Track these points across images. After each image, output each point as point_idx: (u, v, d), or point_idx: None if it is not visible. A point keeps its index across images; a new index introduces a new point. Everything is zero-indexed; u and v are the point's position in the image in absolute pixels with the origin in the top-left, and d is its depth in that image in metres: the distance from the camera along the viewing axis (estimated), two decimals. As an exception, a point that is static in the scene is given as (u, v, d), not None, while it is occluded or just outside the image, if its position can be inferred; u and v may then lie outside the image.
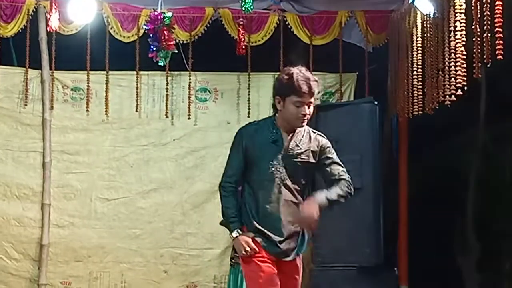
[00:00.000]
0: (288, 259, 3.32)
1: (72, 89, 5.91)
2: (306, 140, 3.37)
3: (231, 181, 3.37)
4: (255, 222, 3.28)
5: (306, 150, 3.35)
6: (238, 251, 3.31)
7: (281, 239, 3.28)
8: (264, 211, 3.29)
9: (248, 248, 3.25)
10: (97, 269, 5.76)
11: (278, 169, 3.29)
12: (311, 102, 3.31)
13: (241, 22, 5.61)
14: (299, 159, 3.33)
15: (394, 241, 5.82)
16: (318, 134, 3.46)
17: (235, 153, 3.38)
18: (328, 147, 3.42)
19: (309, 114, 3.33)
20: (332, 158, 3.41)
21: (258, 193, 3.30)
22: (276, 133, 3.35)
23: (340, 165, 3.42)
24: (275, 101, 3.37)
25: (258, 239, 3.27)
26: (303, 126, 3.36)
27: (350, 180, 3.40)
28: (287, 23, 5.69)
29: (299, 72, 3.30)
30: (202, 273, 5.77)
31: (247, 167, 3.35)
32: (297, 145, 3.34)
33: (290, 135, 3.36)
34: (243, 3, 5.11)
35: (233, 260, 4.95)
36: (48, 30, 5.58)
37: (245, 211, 3.33)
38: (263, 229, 3.27)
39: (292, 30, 5.70)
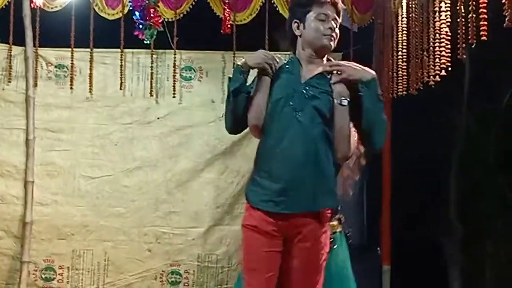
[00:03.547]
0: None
1: (56, 67, 5.87)
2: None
3: None
4: None
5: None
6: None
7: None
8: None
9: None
10: (80, 247, 5.75)
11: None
12: (336, 20, 2.88)
13: (227, 0, 5.57)
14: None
15: (377, 222, 5.86)
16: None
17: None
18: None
19: (337, 32, 2.87)
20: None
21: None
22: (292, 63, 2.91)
23: None
24: (292, 29, 2.92)
25: None
26: (330, 45, 2.88)
27: None
28: (273, 2, 5.66)
29: None
30: (186, 252, 5.78)
31: None
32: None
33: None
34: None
35: None
36: (32, 6, 5.52)
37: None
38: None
39: (277, 9, 5.67)
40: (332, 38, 2.84)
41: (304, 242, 2.80)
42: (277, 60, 2.90)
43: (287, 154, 2.78)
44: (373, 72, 2.84)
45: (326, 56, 2.97)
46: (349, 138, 2.85)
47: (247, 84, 2.90)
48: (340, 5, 2.88)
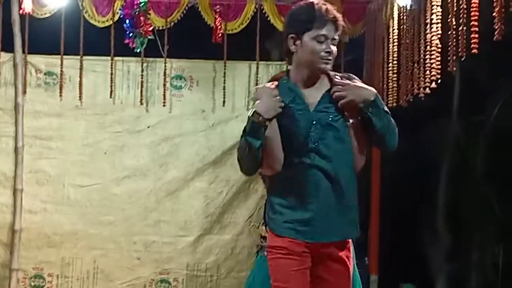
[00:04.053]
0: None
1: (45, 74, 5.84)
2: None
3: None
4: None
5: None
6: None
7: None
8: None
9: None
10: (69, 255, 5.72)
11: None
12: (335, 39, 2.72)
13: (218, 10, 5.58)
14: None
15: (365, 231, 5.88)
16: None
17: None
18: None
19: (334, 54, 2.74)
20: None
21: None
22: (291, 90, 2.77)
23: None
24: (288, 42, 2.74)
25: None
26: (327, 69, 2.74)
27: None
28: (264, 11, 5.68)
29: (320, 1, 2.75)
30: (175, 260, 5.77)
31: None
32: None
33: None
34: (221, -10, 5.10)
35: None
36: (21, 13, 5.49)
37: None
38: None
39: (269, 19, 5.69)
40: (329, 61, 2.72)
41: (333, 262, 2.78)
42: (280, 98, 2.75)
43: (311, 186, 2.72)
44: (374, 90, 2.79)
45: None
46: (364, 151, 2.86)
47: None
48: (341, 22, 2.75)
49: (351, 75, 2.86)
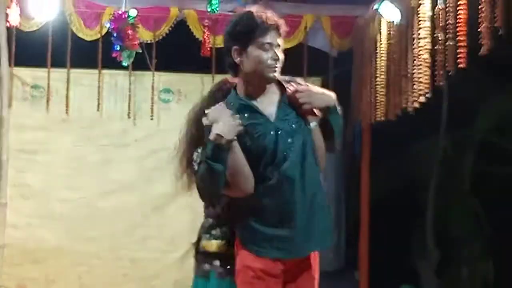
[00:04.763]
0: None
1: (32, 87, 5.79)
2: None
3: None
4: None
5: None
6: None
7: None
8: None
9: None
10: (54, 271, 5.64)
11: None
12: (279, 46, 2.66)
13: (206, 23, 5.57)
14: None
15: (355, 246, 5.85)
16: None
17: None
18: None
19: (281, 61, 2.68)
20: None
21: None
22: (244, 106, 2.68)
23: None
24: (232, 55, 2.65)
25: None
26: (275, 77, 2.68)
27: None
28: (252, 25, 5.66)
29: (257, 9, 2.67)
30: (162, 276, 5.71)
31: None
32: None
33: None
34: (209, 4, 5.08)
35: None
36: (8, 26, 5.45)
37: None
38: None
39: (257, 32, 5.67)
40: (276, 68, 2.66)
41: (303, 271, 2.75)
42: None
43: (287, 200, 2.65)
44: (332, 94, 2.77)
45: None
46: (325, 153, 2.84)
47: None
48: (283, 27, 2.68)
49: (295, 78, 2.82)
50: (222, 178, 2.63)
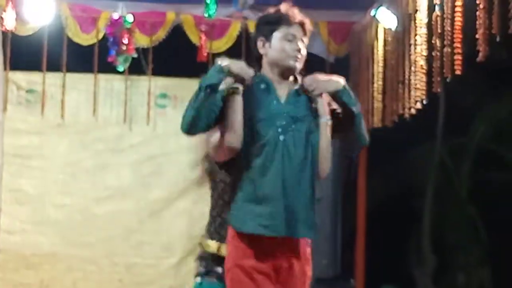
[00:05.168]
0: None
1: (27, 91, 5.77)
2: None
3: None
4: None
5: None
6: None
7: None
8: None
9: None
10: (48, 277, 5.61)
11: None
12: (303, 42, 2.76)
13: (203, 29, 5.56)
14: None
15: (351, 252, 5.84)
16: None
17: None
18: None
19: (304, 54, 2.76)
20: None
21: None
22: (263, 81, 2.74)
23: None
24: (257, 47, 2.75)
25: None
26: (297, 67, 2.75)
27: None
28: (249, 31, 5.66)
29: (287, 6, 2.78)
30: (157, 282, 5.68)
31: None
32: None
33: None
34: (206, 9, 5.08)
35: None
36: (3, 30, 5.43)
37: None
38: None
39: (254, 38, 5.67)
40: (298, 59, 2.73)
41: (297, 279, 2.74)
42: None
43: (275, 179, 2.68)
44: (341, 79, 2.81)
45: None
46: (330, 157, 2.83)
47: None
48: (308, 25, 2.78)
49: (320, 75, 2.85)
50: (212, 101, 2.67)
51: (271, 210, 2.67)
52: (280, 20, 2.72)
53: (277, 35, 2.71)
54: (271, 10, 2.79)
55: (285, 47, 2.70)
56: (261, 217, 2.67)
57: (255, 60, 2.78)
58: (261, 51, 2.73)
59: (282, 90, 2.77)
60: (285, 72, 2.76)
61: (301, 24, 2.75)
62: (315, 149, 2.75)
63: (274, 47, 2.71)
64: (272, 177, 2.68)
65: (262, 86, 2.74)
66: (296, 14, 2.75)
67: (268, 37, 2.72)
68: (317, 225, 2.82)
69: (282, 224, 2.67)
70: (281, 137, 2.70)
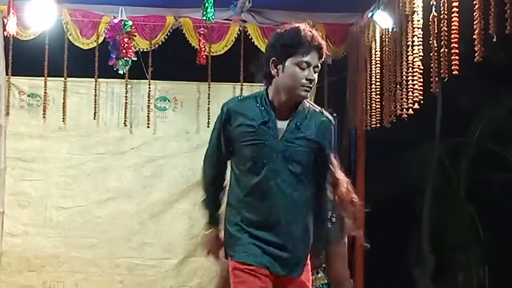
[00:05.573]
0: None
1: (29, 95, 5.81)
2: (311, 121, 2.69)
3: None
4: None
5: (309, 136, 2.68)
6: None
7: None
8: None
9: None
10: (51, 279, 5.63)
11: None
12: (318, 67, 2.66)
13: (202, 32, 5.60)
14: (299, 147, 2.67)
15: (350, 254, 5.86)
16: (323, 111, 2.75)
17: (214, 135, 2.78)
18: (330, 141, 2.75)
19: (315, 82, 2.68)
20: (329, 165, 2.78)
21: None
22: (267, 112, 2.66)
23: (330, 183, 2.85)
24: (269, 66, 2.65)
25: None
26: (306, 96, 2.68)
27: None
28: (248, 34, 5.70)
29: (306, 26, 2.67)
30: (159, 283, 5.70)
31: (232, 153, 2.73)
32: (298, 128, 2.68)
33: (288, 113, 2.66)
34: (205, 12, 5.11)
35: None
36: (5, 35, 5.48)
37: None
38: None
39: (253, 41, 5.72)
40: (308, 89, 2.64)
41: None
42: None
43: (270, 220, 2.66)
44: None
45: None
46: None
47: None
48: (325, 49, 2.68)
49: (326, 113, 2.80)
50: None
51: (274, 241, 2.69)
52: (297, 46, 2.60)
53: (291, 61, 2.61)
54: (290, 28, 2.67)
55: (297, 75, 2.60)
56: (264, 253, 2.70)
57: (264, 76, 2.69)
58: (273, 72, 2.64)
59: (282, 121, 2.67)
60: (292, 99, 2.68)
61: (318, 49, 2.65)
62: (307, 187, 2.71)
63: (286, 73, 2.61)
64: (267, 218, 2.67)
65: (263, 110, 2.66)
66: (315, 38, 2.64)
67: (281, 60, 2.62)
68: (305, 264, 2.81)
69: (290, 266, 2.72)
70: (275, 178, 2.64)
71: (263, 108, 2.67)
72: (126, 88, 5.78)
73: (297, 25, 2.68)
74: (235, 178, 2.73)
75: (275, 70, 2.64)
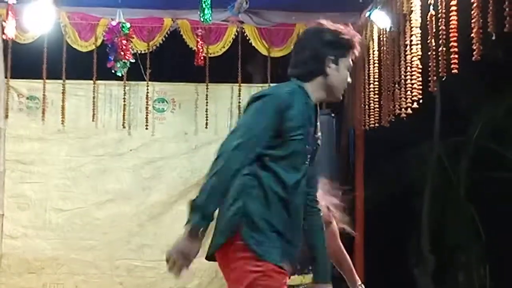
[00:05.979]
0: None
1: (27, 98, 5.82)
2: None
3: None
4: None
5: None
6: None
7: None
8: None
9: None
10: (50, 281, 5.64)
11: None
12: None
13: (200, 33, 5.61)
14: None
15: (349, 253, 5.85)
16: None
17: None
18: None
19: None
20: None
21: None
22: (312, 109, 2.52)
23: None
24: (325, 61, 2.50)
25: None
26: (340, 98, 2.64)
27: None
28: (245, 34, 5.71)
29: (352, 31, 2.57)
30: (158, 285, 5.70)
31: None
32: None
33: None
34: (202, 13, 5.12)
35: None
36: (4, 38, 5.48)
37: None
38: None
39: (250, 42, 5.72)
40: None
41: None
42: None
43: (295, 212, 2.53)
44: None
45: None
46: None
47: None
48: None
49: None
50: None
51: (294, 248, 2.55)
52: (350, 48, 2.53)
53: (344, 62, 2.53)
54: (345, 29, 2.55)
55: (346, 78, 2.55)
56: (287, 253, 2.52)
57: (307, 72, 2.53)
58: (327, 70, 2.50)
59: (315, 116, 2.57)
60: (328, 98, 2.62)
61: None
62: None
63: (340, 73, 2.52)
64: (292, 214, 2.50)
65: (310, 114, 2.51)
66: (360, 44, 2.59)
67: (336, 61, 2.51)
68: None
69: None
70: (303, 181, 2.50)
71: (309, 105, 2.52)
72: (124, 90, 5.78)
73: (342, 26, 2.58)
74: (274, 173, 2.46)
75: (329, 68, 2.52)
